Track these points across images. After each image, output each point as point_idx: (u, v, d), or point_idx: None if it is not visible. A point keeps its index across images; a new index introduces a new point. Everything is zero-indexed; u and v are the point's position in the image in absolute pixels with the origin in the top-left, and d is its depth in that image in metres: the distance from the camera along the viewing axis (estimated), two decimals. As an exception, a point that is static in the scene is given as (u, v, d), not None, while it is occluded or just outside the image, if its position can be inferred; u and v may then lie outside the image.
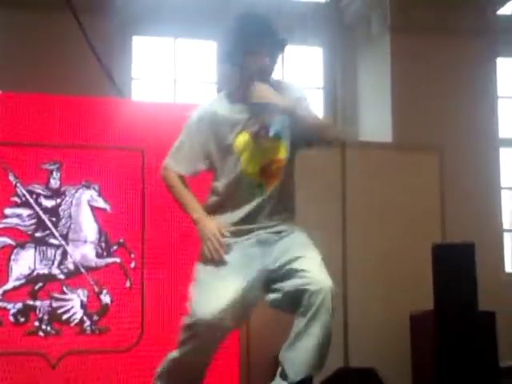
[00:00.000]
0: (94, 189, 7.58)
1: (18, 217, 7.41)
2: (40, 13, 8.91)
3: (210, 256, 4.84)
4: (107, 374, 7.39)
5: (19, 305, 7.28)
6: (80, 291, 7.46)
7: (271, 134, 4.76)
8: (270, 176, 4.84)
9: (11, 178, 7.39)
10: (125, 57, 9.86)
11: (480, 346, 7.59)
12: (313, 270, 4.63)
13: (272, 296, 4.77)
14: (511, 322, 8.55)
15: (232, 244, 4.82)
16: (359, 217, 8.32)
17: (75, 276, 7.47)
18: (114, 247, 7.58)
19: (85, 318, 7.45)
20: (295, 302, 4.60)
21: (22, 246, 7.38)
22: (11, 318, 7.25)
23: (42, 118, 7.54)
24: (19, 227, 7.40)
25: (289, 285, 4.66)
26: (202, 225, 4.87)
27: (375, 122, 9.93)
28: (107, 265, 7.56)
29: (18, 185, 7.41)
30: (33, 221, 7.45)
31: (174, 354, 4.87)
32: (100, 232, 7.58)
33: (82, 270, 7.49)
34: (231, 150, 4.80)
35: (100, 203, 7.57)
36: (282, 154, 4.85)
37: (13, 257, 7.35)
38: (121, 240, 7.58)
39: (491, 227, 9.75)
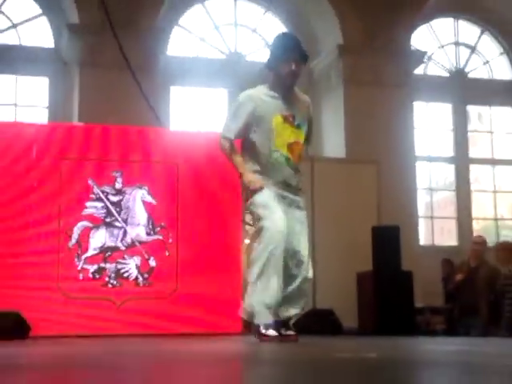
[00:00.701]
0: (144, 189, 7.55)
1: (94, 208, 7.41)
2: (110, 71, 8.93)
3: (254, 189, 4.58)
4: (153, 313, 7.41)
5: (95, 266, 7.31)
6: (135, 257, 7.46)
7: (296, 122, 4.69)
8: (293, 153, 4.67)
9: (90, 182, 7.40)
10: (165, 100, 9.88)
11: (402, 293, 7.60)
12: (307, 257, 4.65)
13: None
14: (422, 278, 8.52)
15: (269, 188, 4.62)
16: (324, 209, 8.26)
17: (132, 247, 7.47)
18: (158, 228, 7.55)
19: (138, 275, 7.45)
20: (289, 262, 4.59)
21: (96, 227, 7.39)
22: (90, 275, 7.29)
23: (110, 141, 7.54)
24: (95, 214, 7.40)
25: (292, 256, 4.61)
26: (245, 175, 4.61)
27: (334, 144, 9.98)
28: (153, 240, 7.54)
29: (95, 186, 7.42)
30: (104, 210, 7.45)
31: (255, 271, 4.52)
32: (148, 218, 7.56)
33: (137, 244, 7.49)
34: (268, 125, 4.64)
35: (149, 199, 7.54)
36: (302, 139, 4.74)
37: (91, 235, 7.35)
38: (162, 223, 7.56)
39: (411, 215, 9.80)
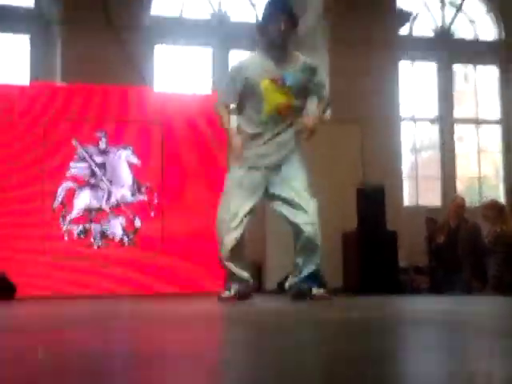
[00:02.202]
0: (129, 149, 7.54)
1: (78, 168, 7.39)
2: (93, 30, 8.72)
3: (235, 157, 4.86)
4: (139, 273, 7.46)
5: (81, 227, 7.32)
6: (120, 218, 7.48)
7: (287, 83, 4.78)
8: (282, 112, 4.79)
9: (73, 142, 7.38)
10: (150, 59, 9.73)
11: (387, 253, 7.56)
12: (310, 212, 4.84)
13: (279, 210, 4.90)
14: (407, 237, 8.52)
15: (247, 169, 4.82)
16: (308, 169, 8.24)
17: (117, 208, 7.49)
18: (143, 189, 7.56)
19: (124, 236, 7.48)
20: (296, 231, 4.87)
21: (81, 188, 7.39)
22: (75, 236, 7.30)
23: (94, 101, 7.50)
24: (79, 175, 7.39)
25: (295, 220, 4.84)
26: (230, 136, 4.87)
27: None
28: (138, 201, 7.56)
29: (79, 146, 7.39)
30: (88, 171, 7.44)
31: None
32: (133, 179, 7.56)
33: (121, 205, 7.50)
34: (257, 90, 4.78)
35: (134, 160, 7.54)
36: (291, 100, 4.82)
37: (75, 195, 7.35)
38: (147, 184, 7.58)
39: (395, 175, 9.77)
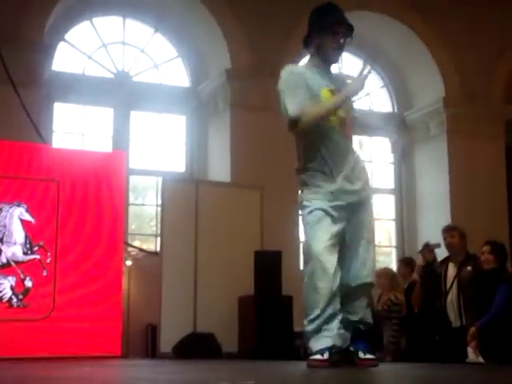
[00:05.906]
0: (23, 207, 7.35)
1: (-33, 225, 7.11)
2: None
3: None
4: (27, 336, 7.20)
5: (-34, 286, 7.00)
6: (10, 278, 7.24)
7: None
8: (348, 128, 4.19)
9: (-37, 198, 7.13)
10: (48, 116, 9.52)
11: (282, 318, 7.59)
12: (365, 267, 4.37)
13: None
14: (302, 302, 8.45)
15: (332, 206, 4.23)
16: (207, 232, 8.18)
17: (7, 267, 7.24)
18: (36, 247, 7.37)
19: (13, 296, 7.22)
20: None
21: (-31, 246, 7.10)
22: (-41, 296, 6.97)
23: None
24: (-33, 233, 7.09)
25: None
26: (334, 104, 4.11)
27: (219, 167, 9.93)
28: (30, 260, 7.34)
29: (-32, 203, 7.15)
30: (-23, 228, 7.16)
31: None
32: (26, 237, 7.35)
33: (12, 263, 7.26)
34: (319, 100, 4.10)
35: (27, 217, 7.35)
36: (351, 112, 4.26)
37: (-38, 254, 7.03)
38: (41, 243, 7.39)
39: (291, 240, 9.78)
